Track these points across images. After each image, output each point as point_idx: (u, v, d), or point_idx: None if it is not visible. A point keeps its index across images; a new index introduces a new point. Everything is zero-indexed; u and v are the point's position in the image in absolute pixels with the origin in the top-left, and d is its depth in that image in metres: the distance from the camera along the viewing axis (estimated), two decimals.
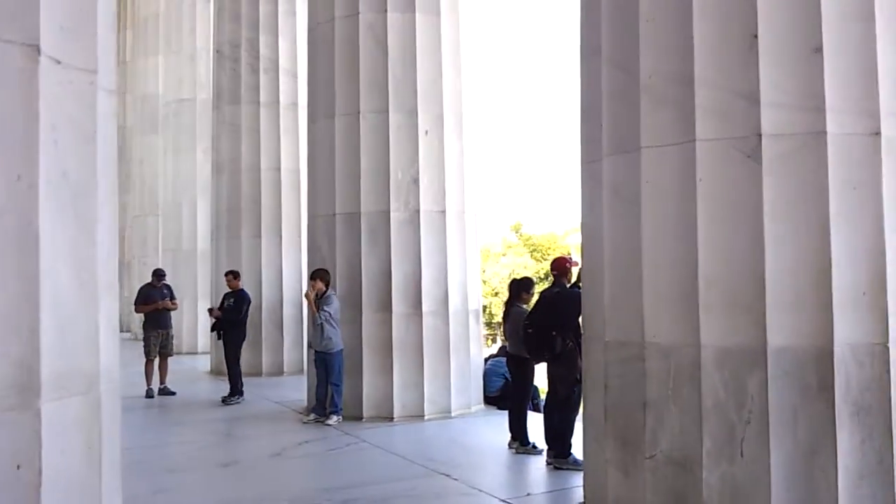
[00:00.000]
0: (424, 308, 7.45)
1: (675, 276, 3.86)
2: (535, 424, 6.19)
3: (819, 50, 3.62)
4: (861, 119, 3.67)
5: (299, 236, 10.67)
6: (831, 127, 3.63)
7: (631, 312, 4.03)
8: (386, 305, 7.42)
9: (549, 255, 38.21)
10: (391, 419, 7.34)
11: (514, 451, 6.17)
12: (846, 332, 3.64)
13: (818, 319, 3.64)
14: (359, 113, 7.53)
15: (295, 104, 11.00)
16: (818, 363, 3.65)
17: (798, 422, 3.66)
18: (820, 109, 3.63)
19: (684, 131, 3.80)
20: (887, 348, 3.69)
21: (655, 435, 3.90)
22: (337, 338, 7.38)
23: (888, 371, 3.70)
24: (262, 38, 11.01)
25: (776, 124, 3.68)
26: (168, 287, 9.91)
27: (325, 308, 7.30)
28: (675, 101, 3.86)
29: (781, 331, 3.64)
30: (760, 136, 3.66)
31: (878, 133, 3.66)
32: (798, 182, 3.67)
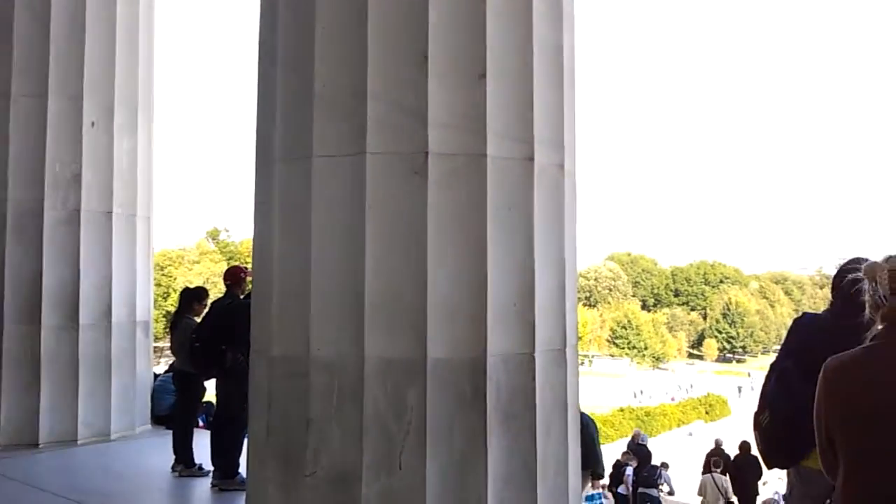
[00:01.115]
0: (82, 320, 6.66)
1: (342, 289, 3.79)
2: (205, 444, 5.80)
3: (483, 76, 3.80)
4: (517, 144, 3.93)
5: None
6: (491, 150, 3.83)
7: (298, 326, 3.90)
8: (34, 316, 6.49)
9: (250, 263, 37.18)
10: (36, 445, 6.43)
11: (177, 474, 5.72)
12: (498, 343, 3.85)
13: (474, 332, 3.81)
14: (10, 96, 6.53)
15: None
16: (472, 374, 3.81)
17: (454, 431, 3.78)
18: (482, 133, 3.82)
19: (355, 143, 3.77)
20: (533, 357, 3.98)
21: (317, 452, 3.79)
22: None
23: (533, 379, 3.99)
24: None
25: (442, 143, 3.79)
26: None
27: None
28: (348, 112, 3.82)
29: (440, 343, 3.74)
30: (427, 153, 3.74)
31: (531, 158, 3.95)
32: (460, 201, 3.81)
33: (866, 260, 3.53)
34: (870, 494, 2.17)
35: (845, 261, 3.68)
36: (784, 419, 3.46)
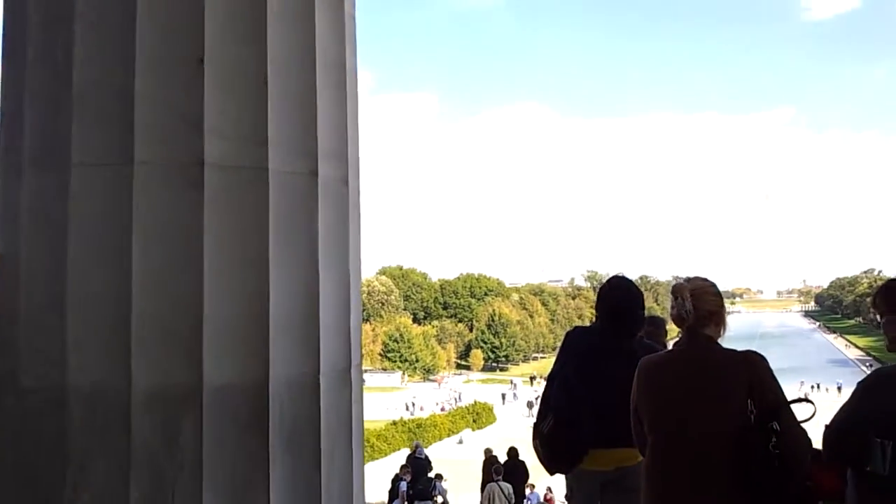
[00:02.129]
0: None
1: (105, 313, 3.42)
2: None
3: (265, 83, 3.63)
4: (301, 157, 3.79)
5: None
6: (274, 163, 3.66)
7: (53, 354, 3.45)
8: None
9: None
10: None
11: None
12: (281, 366, 3.67)
13: (255, 355, 3.60)
14: None
15: None
16: (254, 400, 3.60)
17: (234, 462, 3.54)
18: (264, 144, 3.63)
19: (121, 151, 3.42)
20: (318, 380, 3.84)
21: (77, 489, 3.37)
22: None
23: (318, 402, 3.85)
24: None
25: (220, 154, 3.55)
26: None
27: None
28: (113, 116, 3.46)
29: (218, 368, 3.49)
30: (203, 164, 3.49)
31: (315, 172, 3.82)
32: (240, 215, 3.60)
33: (623, 277, 4.04)
34: (668, 461, 2.97)
35: (610, 276, 4.06)
36: (568, 422, 3.73)
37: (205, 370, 3.46)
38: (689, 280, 3.14)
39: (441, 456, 33.96)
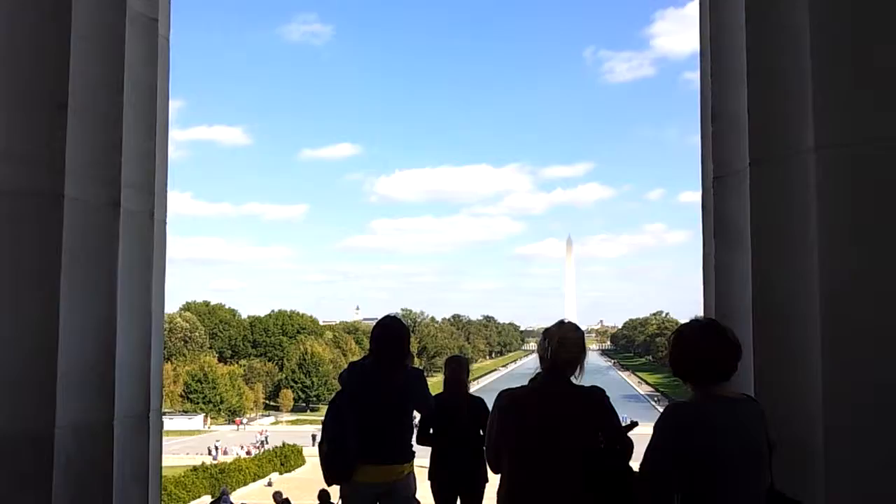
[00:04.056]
0: None
1: None
2: None
3: (64, 107, 3.36)
4: (101, 187, 3.53)
5: None
6: (70, 191, 3.38)
7: None
8: None
9: None
10: None
11: None
12: (69, 412, 3.37)
13: (39, 400, 3.28)
14: None
15: None
16: (35, 449, 3.27)
17: None
18: (59, 171, 3.35)
19: None
20: (112, 426, 3.56)
21: None
22: None
23: (111, 450, 3.56)
24: None
25: (11, 180, 3.25)
26: None
27: None
28: None
29: None
30: None
31: (117, 204, 3.58)
32: (29, 247, 3.29)
33: (393, 317, 4.70)
34: (522, 486, 3.31)
35: (384, 316, 4.72)
36: (340, 441, 4.45)
37: None
38: (559, 326, 3.46)
39: (253, 501, 32.51)
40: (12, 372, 3.23)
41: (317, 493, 14.99)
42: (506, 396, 3.48)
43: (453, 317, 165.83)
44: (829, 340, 2.99)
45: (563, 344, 3.39)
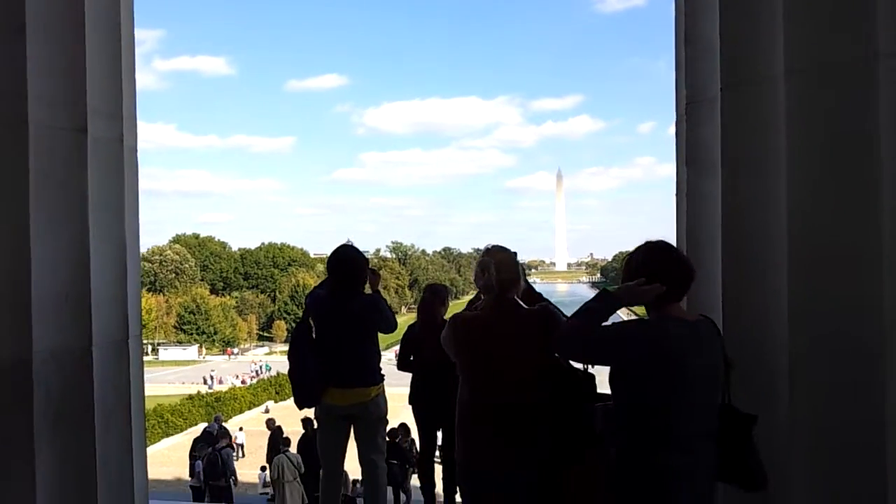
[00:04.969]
0: None
1: None
2: None
3: (23, 29, 3.27)
4: (67, 112, 3.46)
5: None
6: (34, 116, 3.32)
7: None
8: None
9: None
10: None
11: None
12: (46, 338, 3.39)
13: (15, 327, 3.30)
14: None
15: None
16: (14, 374, 3.31)
17: None
18: (22, 96, 3.28)
19: None
20: (90, 351, 3.59)
21: None
22: None
23: (91, 375, 3.60)
24: None
25: None
26: None
27: None
28: None
29: None
30: None
31: (84, 129, 3.52)
32: None
33: (348, 245, 4.90)
34: (476, 399, 3.44)
35: (338, 246, 4.94)
36: (301, 366, 4.72)
37: None
38: (489, 251, 3.59)
39: (249, 428, 33.17)
40: None
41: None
42: (456, 318, 3.61)
43: (444, 250, 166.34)
44: (794, 261, 3.02)
45: (501, 268, 3.51)
